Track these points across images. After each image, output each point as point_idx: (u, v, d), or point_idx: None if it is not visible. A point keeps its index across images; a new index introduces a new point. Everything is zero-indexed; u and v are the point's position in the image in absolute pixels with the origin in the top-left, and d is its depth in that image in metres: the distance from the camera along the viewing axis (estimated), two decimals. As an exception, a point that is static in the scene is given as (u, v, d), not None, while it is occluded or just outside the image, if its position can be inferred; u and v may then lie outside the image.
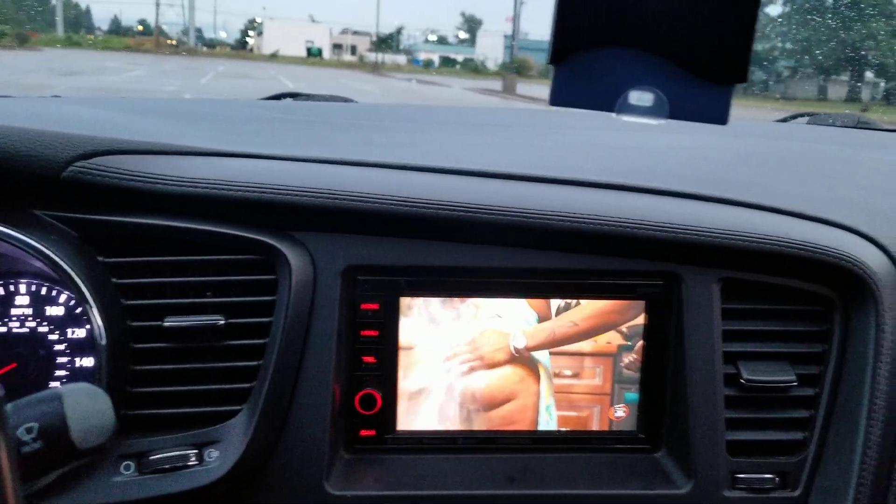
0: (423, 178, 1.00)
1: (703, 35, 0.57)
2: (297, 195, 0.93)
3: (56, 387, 0.63)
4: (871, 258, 0.96)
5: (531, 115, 1.87)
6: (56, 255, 0.88)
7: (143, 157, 0.94)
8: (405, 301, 0.99)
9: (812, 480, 0.99)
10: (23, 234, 0.87)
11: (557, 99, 0.59)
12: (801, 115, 2.03)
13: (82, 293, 0.88)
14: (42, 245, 0.88)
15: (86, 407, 0.62)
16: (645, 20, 0.57)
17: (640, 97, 0.58)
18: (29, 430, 0.61)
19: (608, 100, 0.59)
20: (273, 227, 0.95)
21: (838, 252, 0.95)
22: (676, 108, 0.59)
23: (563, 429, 1.03)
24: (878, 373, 0.94)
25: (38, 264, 0.89)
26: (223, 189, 0.92)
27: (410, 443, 1.02)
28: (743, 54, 0.57)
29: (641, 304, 1.01)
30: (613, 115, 0.59)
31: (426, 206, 0.93)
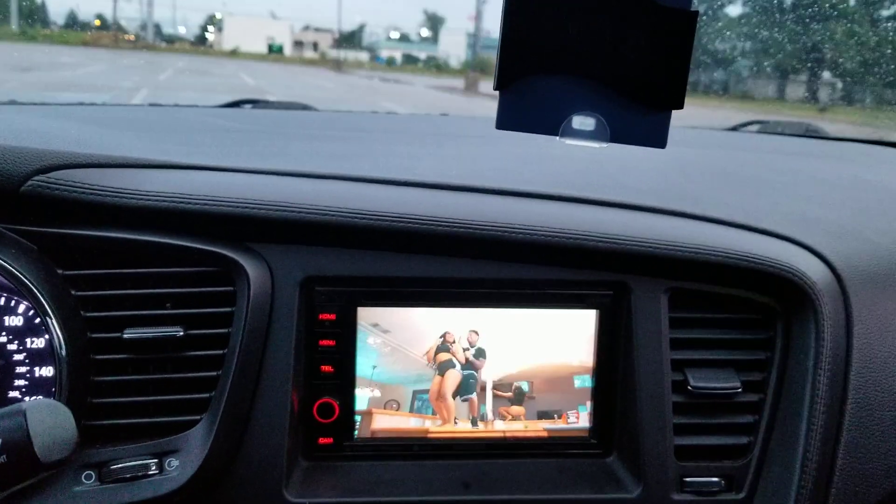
0: (380, 190, 1.02)
1: (641, 64, 0.60)
2: (255, 208, 0.94)
3: (19, 402, 0.65)
4: (812, 269, 1.00)
5: (482, 124, 1.89)
6: (15, 267, 0.88)
7: (102, 170, 0.95)
8: (363, 310, 1.01)
9: (756, 483, 1.03)
10: None
11: (503, 123, 0.62)
12: (752, 123, 2.08)
13: (42, 305, 0.89)
14: (0, 258, 0.88)
15: (49, 422, 0.64)
16: (586, 49, 0.59)
17: (582, 122, 0.61)
18: None
19: (552, 124, 0.61)
20: (231, 239, 0.97)
21: (779, 263, 0.98)
22: (617, 132, 0.62)
23: (518, 435, 1.06)
24: (818, 380, 0.97)
25: None
26: (182, 202, 0.93)
27: (368, 450, 1.04)
28: (679, 82, 0.61)
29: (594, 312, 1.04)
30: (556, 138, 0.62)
31: (382, 218, 0.95)
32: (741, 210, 1.09)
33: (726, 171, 1.39)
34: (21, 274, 0.88)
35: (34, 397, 0.89)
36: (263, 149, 1.23)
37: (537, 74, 0.61)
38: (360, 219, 0.95)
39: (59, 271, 0.93)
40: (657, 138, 0.62)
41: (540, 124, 0.61)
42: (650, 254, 0.98)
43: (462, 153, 1.37)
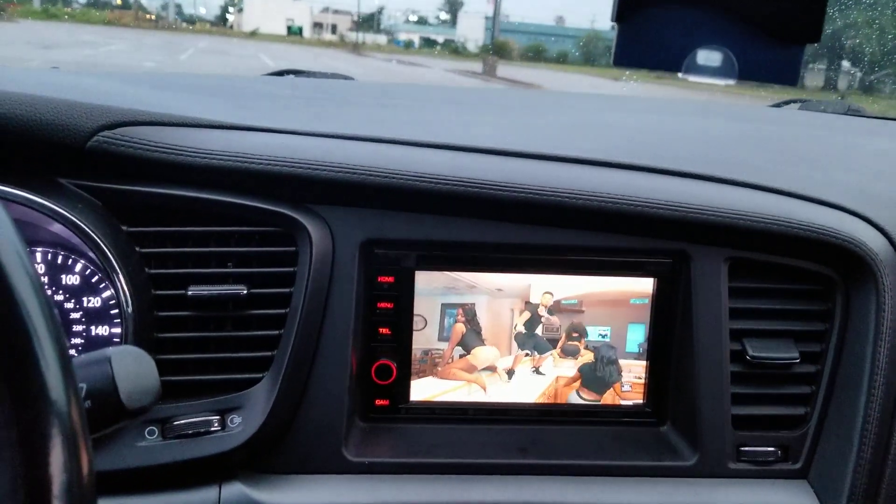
0: (439, 154, 1.02)
1: None
2: (317, 169, 0.94)
3: (104, 349, 0.65)
4: (872, 240, 0.99)
5: (525, 96, 1.88)
6: (82, 221, 0.89)
7: (165, 128, 0.95)
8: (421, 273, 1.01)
9: (813, 454, 1.02)
10: (48, 202, 0.88)
11: (621, 59, 0.57)
12: (794, 102, 2.06)
13: (108, 261, 0.89)
14: (68, 212, 0.89)
15: (133, 368, 0.64)
16: None
17: (708, 57, 0.57)
18: None
19: (674, 60, 0.57)
20: (293, 200, 0.97)
21: (840, 233, 0.97)
22: (746, 68, 0.57)
23: (572, 402, 1.06)
24: (878, 351, 0.97)
25: (58, 230, 0.90)
26: (245, 162, 0.93)
27: (423, 413, 1.04)
28: (816, 12, 0.55)
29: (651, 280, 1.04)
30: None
31: (443, 181, 0.95)
32: (798, 181, 1.08)
33: (778, 144, 1.37)
34: (88, 229, 0.89)
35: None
36: (317, 113, 1.22)
37: (660, 5, 0.56)
38: (422, 182, 0.95)
39: (124, 228, 0.94)
40: (788, 75, 0.58)
41: (661, 60, 0.57)
42: (712, 222, 0.97)
43: (511, 122, 1.36)
